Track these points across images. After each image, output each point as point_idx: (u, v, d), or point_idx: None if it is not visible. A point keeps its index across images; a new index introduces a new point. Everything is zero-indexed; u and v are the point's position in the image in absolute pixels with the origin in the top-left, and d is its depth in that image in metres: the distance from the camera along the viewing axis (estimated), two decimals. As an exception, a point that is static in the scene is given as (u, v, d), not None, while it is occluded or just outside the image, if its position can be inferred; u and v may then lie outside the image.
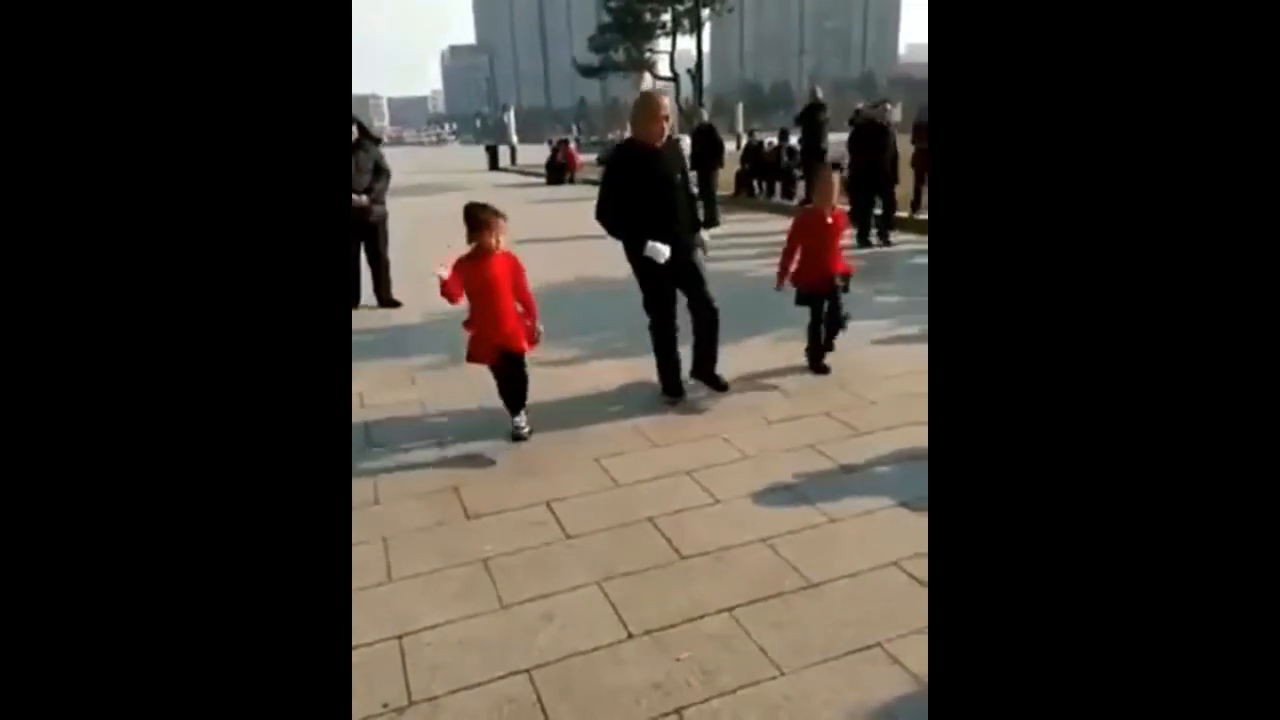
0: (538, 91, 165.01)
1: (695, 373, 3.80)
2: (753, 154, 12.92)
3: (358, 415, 3.60)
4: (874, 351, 4.38)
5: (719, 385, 3.78)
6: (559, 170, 19.05)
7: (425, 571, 2.33)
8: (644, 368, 3.89)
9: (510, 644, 1.98)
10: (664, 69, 31.44)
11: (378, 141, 5.96)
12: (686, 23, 28.08)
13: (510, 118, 28.15)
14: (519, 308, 3.28)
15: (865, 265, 6.82)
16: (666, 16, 29.44)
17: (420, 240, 8.26)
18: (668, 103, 3.46)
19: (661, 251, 3.41)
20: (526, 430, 3.34)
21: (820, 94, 10.68)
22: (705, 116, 11.73)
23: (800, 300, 4.04)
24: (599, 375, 4.11)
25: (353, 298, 5.75)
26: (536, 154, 25.79)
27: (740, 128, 24.39)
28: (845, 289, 4.06)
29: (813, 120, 10.27)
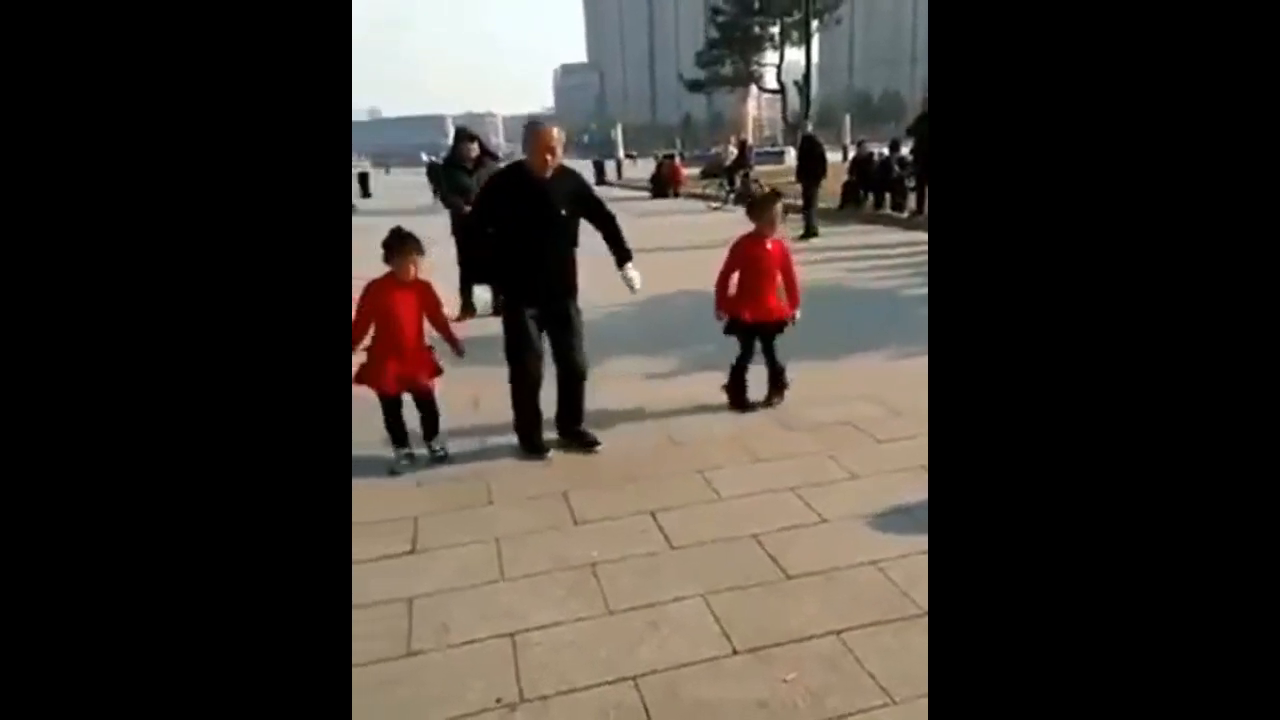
0: (644, 107, 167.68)
1: (560, 429, 3.44)
2: (861, 165, 12.60)
3: (474, 419, 3.77)
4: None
5: (585, 441, 3.38)
6: (663, 184, 19.27)
7: (535, 573, 2.41)
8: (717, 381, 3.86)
9: (617, 650, 2.01)
10: (771, 81, 31.22)
11: (496, 159, 6.25)
12: (795, 35, 27.79)
13: (618, 133, 28.77)
14: (427, 342, 3.26)
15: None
16: (775, 29, 29.25)
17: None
18: (557, 136, 3.09)
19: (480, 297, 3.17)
20: (443, 451, 3.32)
21: (935, 103, 10.26)
22: (809, 128, 11.60)
23: (729, 330, 3.76)
24: (699, 386, 4.12)
25: (468, 308, 6.04)
26: (642, 168, 26.19)
27: (847, 139, 23.85)
28: (777, 331, 3.74)
29: (925, 130, 9.92)
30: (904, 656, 1.92)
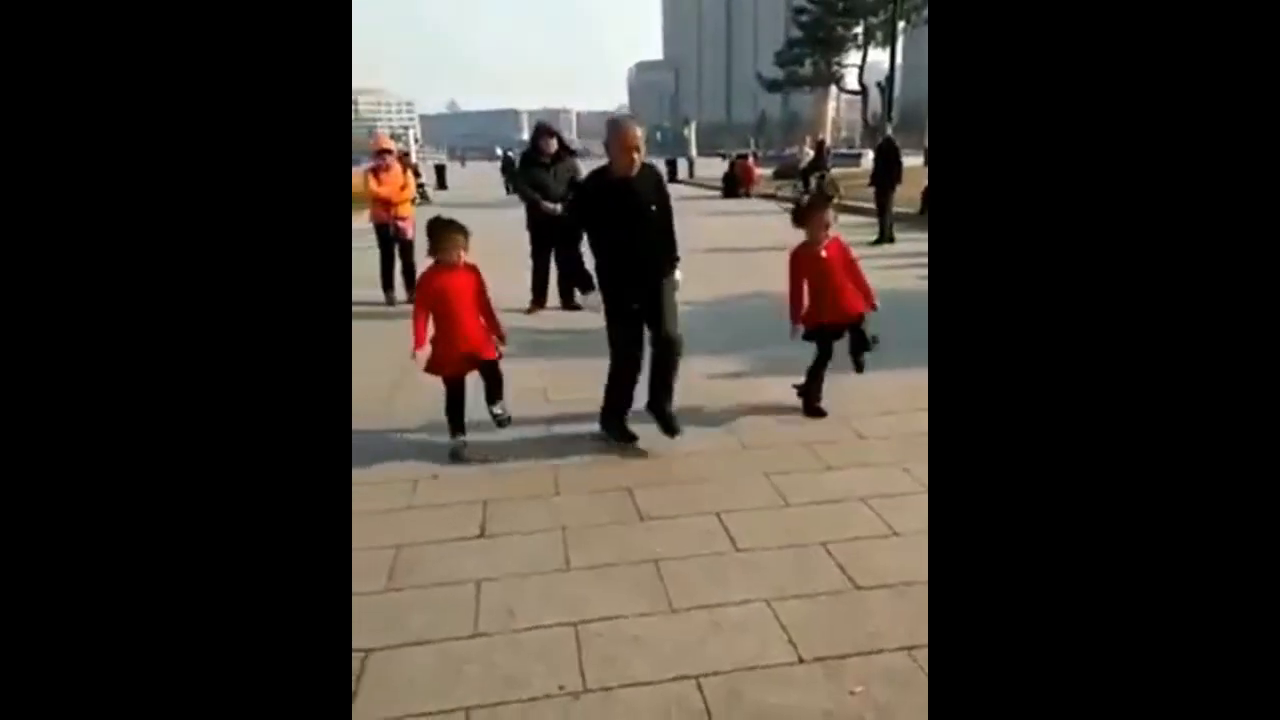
0: (719, 105, 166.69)
1: (649, 405, 3.46)
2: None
3: (543, 410, 3.83)
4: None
5: (668, 426, 3.39)
6: (734, 184, 19.10)
7: (600, 564, 2.43)
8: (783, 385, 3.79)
9: (680, 647, 2.01)
10: (852, 82, 30.56)
11: (574, 154, 6.32)
12: (880, 35, 27.11)
13: (691, 131, 28.68)
14: (492, 316, 3.36)
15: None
16: (859, 29, 28.61)
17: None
18: (638, 133, 3.18)
19: (589, 301, 3.33)
20: (505, 415, 3.38)
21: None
22: (889, 131, 11.29)
23: (807, 336, 3.73)
24: (769, 389, 4.06)
25: (540, 299, 6.14)
26: (717, 166, 26.05)
27: (928, 142, 23.14)
28: (861, 332, 3.68)
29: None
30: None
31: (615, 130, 3.18)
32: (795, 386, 3.82)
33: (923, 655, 1.95)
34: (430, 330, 3.23)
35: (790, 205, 15.00)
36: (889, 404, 3.81)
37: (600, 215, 3.25)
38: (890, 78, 17.68)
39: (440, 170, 26.86)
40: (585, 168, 7.00)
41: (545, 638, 2.06)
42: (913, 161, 10.89)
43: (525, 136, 6.59)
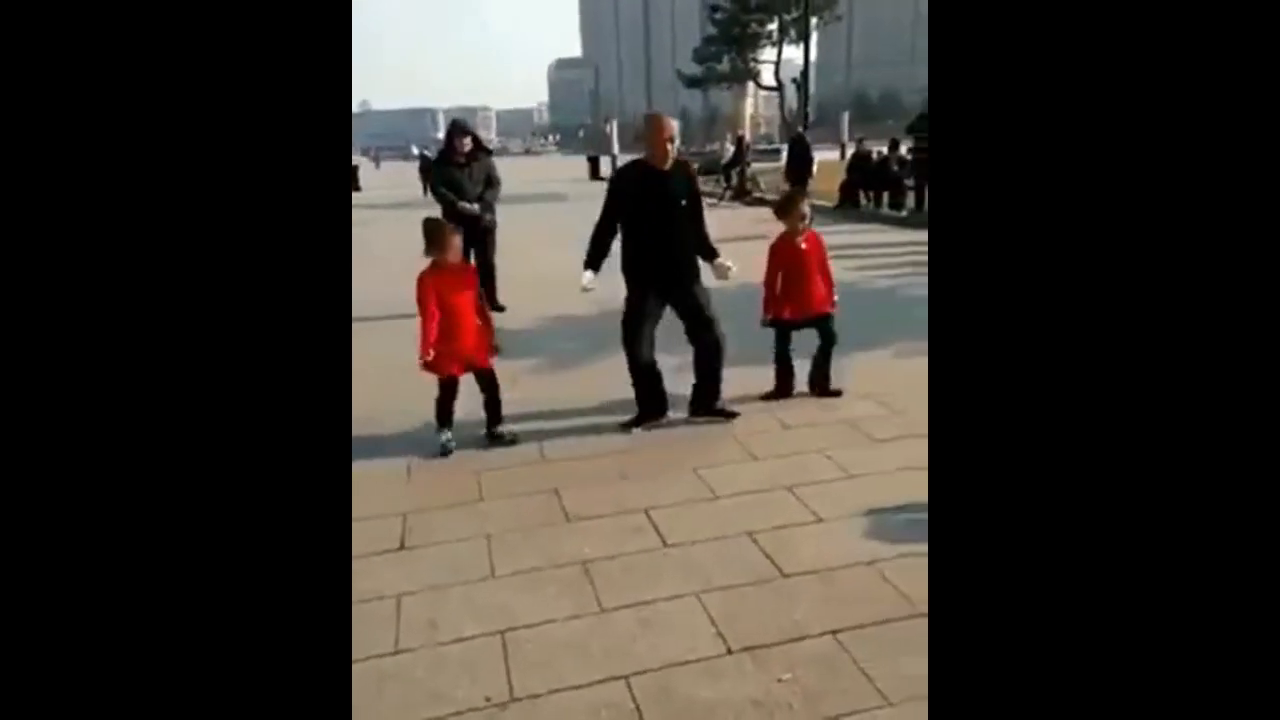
0: (640, 102, 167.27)
1: (694, 408, 3.58)
2: (860, 164, 12.58)
3: (468, 414, 3.73)
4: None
5: (725, 413, 3.56)
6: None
7: (526, 570, 2.38)
8: (744, 377, 3.83)
9: (609, 648, 1.98)
10: (769, 79, 31.18)
11: (489, 153, 6.19)
12: (793, 32, 27.74)
13: (613, 128, 28.65)
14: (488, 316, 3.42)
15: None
16: (773, 26, 29.18)
17: (524, 249, 8.51)
18: (673, 125, 3.34)
19: (584, 281, 3.41)
20: (512, 435, 3.39)
21: (934, 102, 10.34)
22: (799, 129, 11.61)
23: (773, 326, 3.84)
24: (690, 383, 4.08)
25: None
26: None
27: (845, 137, 23.83)
28: (826, 322, 3.80)
29: (926, 129, 9.95)
30: (901, 658, 1.89)
31: (653, 122, 3.31)
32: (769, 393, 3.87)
33: (847, 638, 1.98)
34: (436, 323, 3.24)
35: (713, 201, 15.29)
36: (811, 393, 3.89)
37: (632, 206, 3.33)
38: (805, 74, 18.10)
39: (353, 171, 25.96)
40: (504, 166, 6.89)
41: (470, 649, 2.00)
42: (827, 155, 11.18)
43: (441, 135, 6.37)
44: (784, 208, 3.91)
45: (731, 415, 3.56)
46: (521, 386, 4.16)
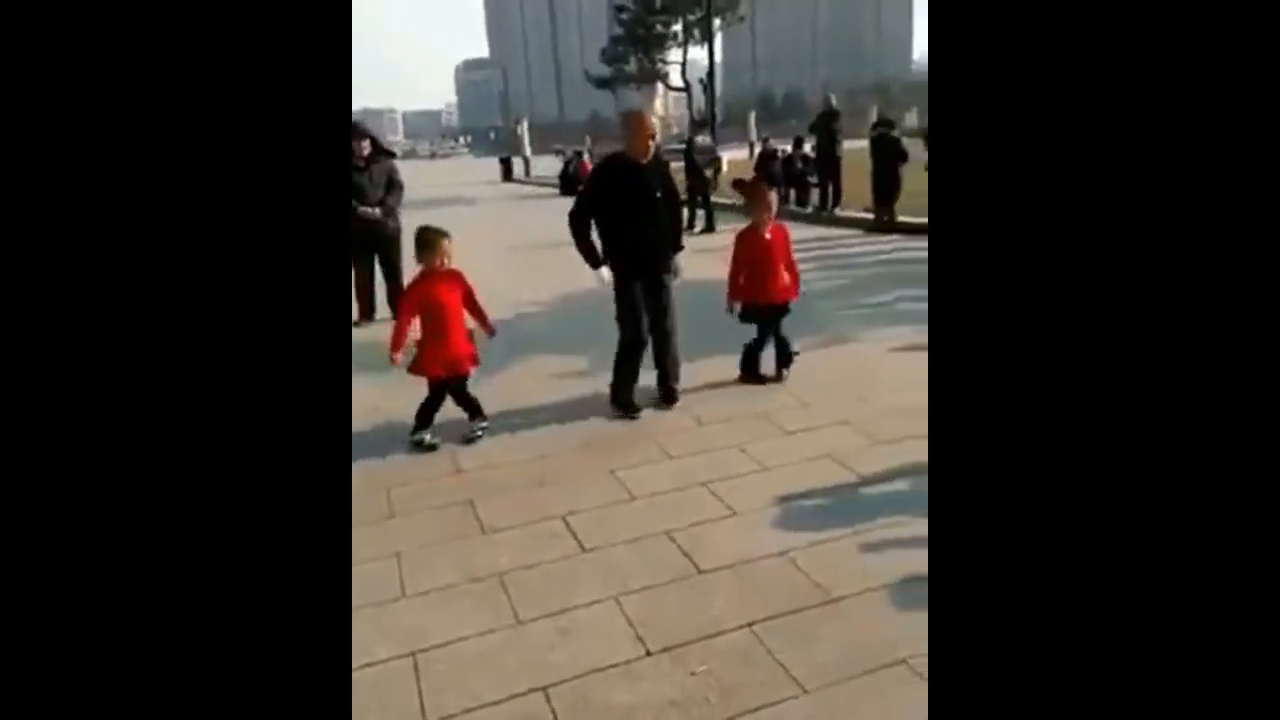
0: (550, 103, 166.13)
1: (659, 387, 3.79)
2: (766, 162, 12.89)
3: (375, 427, 3.59)
4: (893, 359, 4.32)
5: (671, 397, 3.76)
6: (572, 181, 19.12)
7: (439, 587, 2.31)
8: (654, 376, 3.85)
9: (526, 661, 1.94)
10: (676, 79, 31.54)
11: (391, 155, 5.99)
12: (698, 33, 28.15)
13: (524, 130, 28.33)
14: (470, 324, 3.47)
15: (885, 268, 6.79)
16: (678, 27, 29.52)
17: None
18: (654, 121, 3.56)
19: (602, 277, 3.60)
20: (479, 431, 3.46)
21: (834, 102, 10.76)
22: (688, 134, 12.05)
23: (744, 317, 4.00)
24: (603, 386, 4.08)
25: (368, 311, 5.77)
26: (550, 165, 25.95)
27: (753, 136, 24.38)
28: (783, 313, 3.99)
29: (827, 128, 10.32)
30: (815, 646, 1.94)
31: (632, 118, 3.52)
32: (740, 377, 4.00)
33: (763, 629, 2.01)
34: (416, 333, 3.33)
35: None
36: (725, 388, 3.95)
37: (614, 198, 3.48)
38: (711, 74, 18.38)
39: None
40: (411, 170, 6.67)
41: (380, 674, 1.92)
42: (736, 155, 11.44)
43: (341, 139, 6.02)
44: (750, 200, 4.01)
45: (674, 399, 3.74)
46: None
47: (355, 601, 2.23)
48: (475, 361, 3.49)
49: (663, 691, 1.81)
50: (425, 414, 3.43)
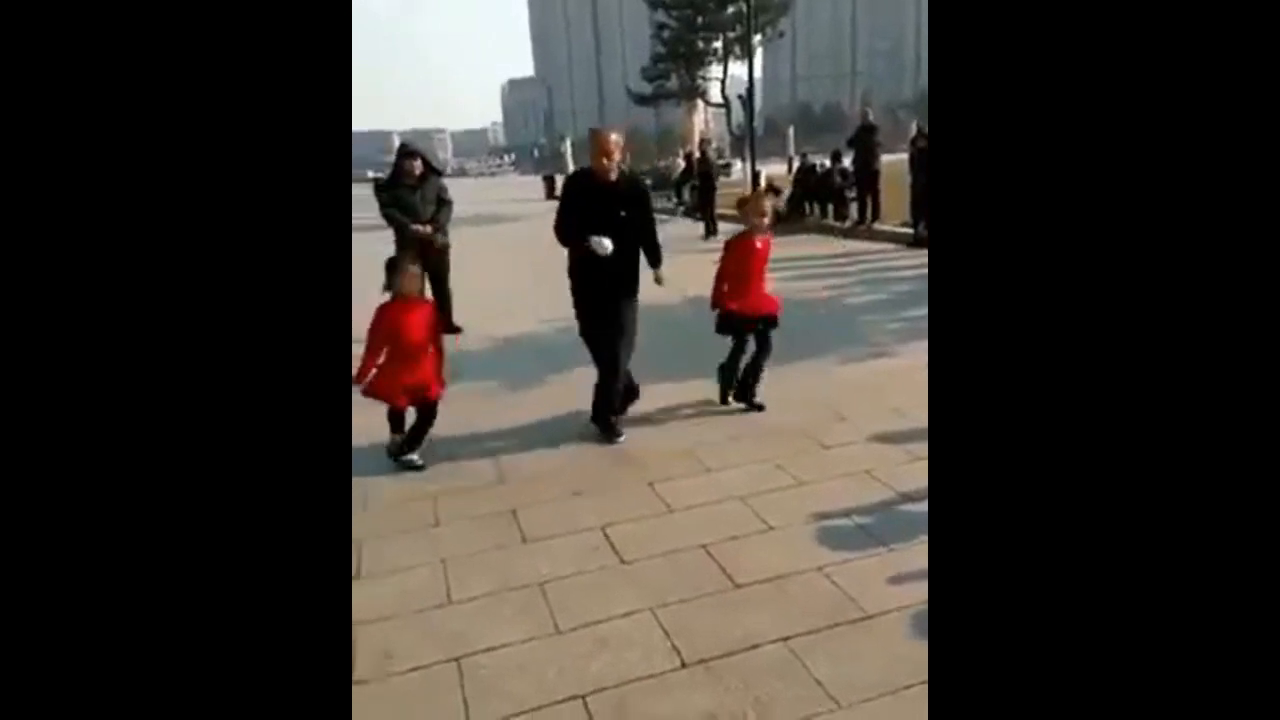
0: (593, 120, 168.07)
1: (593, 418, 3.69)
2: (805, 177, 12.86)
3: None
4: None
5: (612, 433, 3.61)
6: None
7: (482, 594, 2.38)
8: (695, 389, 3.89)
9: (565, 669, 1.99)
10: (716, 95, 31.66)
11: (440, 174, 6.18)
12: (738, 49, 28.25)
13: (567, 147, 28.77)
14: (449, 344, 3.51)
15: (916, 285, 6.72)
16: (718, 44, 29.68)
17: (479, 270, 8.48)
18: (613, 139, 3.39)
19: (604, 244, 3.32)
20: (420, 463, 3.40)
21: (872, 116, 10.71)
22: (712, 146, 12.86)
23: (719, 328, 3.87)
24: (649, 398, 4.12)
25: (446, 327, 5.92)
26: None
27: (792, 150, 24.31)
28: (769, 327, 3.86)
29: (865, 142, 10.25)
30: (850, 661, 1.95)
31: (592, 137, 3.45)
32: (730, 397, 3.94)
33: (798, 644, 2.03)
34: (380, 357, 3.29)
35: (665, 216, 15.61)
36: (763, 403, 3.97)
37: (577, 213, 3.44)
38: (750, 90, 18.43)
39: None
40: (455, 188, 6.88)
41: (425, 677, 1.99)
42: (776, 169, 11.52)
43: (392, 158, 6.30)
44: (743, 207, 3.93)
45: (612, 434, 3.59)
46: (477, 406, 4.15)
47: (400, 609, 2.31)
48: (442, 384, 3.46)
49: (698, 703, 1.84)
50: (395, 425, 3.43)
